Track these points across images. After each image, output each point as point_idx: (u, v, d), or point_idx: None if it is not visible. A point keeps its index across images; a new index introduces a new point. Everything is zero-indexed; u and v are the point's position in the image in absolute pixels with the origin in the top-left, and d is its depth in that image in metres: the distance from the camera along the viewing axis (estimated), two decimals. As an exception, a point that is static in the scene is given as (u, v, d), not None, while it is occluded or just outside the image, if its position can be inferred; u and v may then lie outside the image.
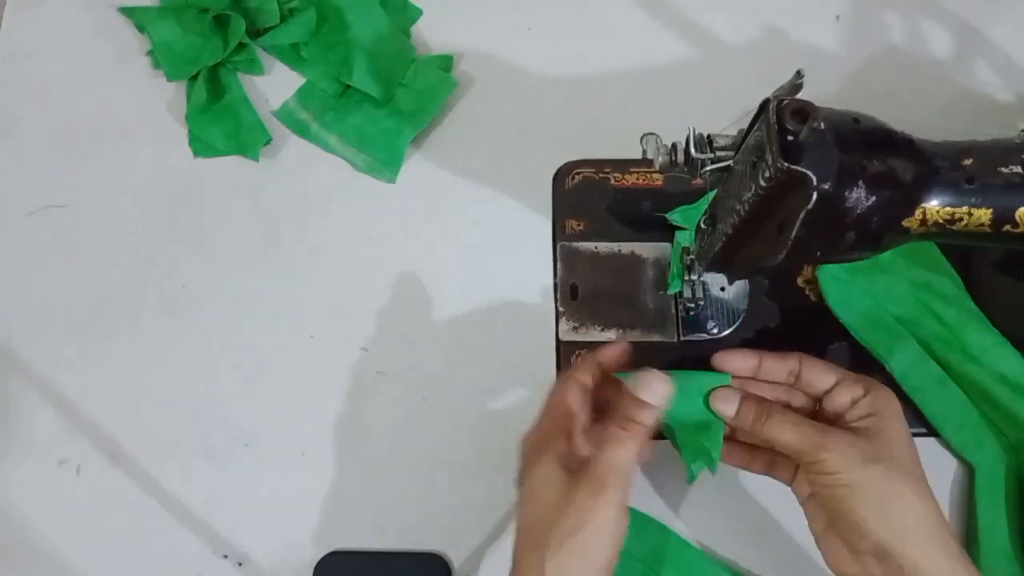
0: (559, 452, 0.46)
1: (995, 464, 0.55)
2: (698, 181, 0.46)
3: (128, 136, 0.67)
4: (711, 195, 0.48)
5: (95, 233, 0.64)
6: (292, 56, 0.67)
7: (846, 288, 0.58)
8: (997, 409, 0.55)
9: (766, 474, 0.51)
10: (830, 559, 0.47)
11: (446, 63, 0.66)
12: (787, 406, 0.50)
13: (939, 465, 0.57)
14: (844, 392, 0.48)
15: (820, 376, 0.49)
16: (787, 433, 0.46)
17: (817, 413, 0.50)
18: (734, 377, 0.51)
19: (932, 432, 0.57)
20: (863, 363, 0.58)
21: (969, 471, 0.56)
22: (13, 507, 0.59)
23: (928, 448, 0.57)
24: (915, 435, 0.56)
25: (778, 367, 0.50)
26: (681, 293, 0.59)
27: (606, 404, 0.50)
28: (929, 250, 0.58)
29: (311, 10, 0.66)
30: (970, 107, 0.65)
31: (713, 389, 0.49)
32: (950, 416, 0.56)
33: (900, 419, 0.47)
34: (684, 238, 0.58)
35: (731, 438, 0.52)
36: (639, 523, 0.54)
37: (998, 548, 0.54)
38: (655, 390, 0.47)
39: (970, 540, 0.55)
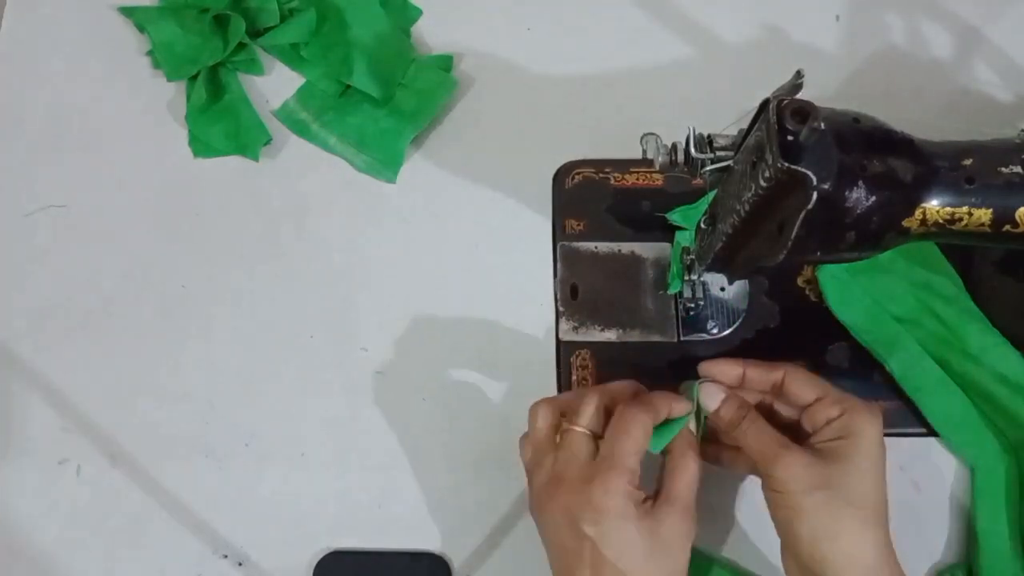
0: (635, 498, 0.45)
1: (995, 464, 0.55)
2: (698, 181, 0.46)
3: (128, 136, 0.67)
4: (711, 195, 0.48)
5: (95, 233, 0.64)
6: (292, 56, 0.67)
7: (846, 288, 0.58)
8: (997, 409, 0.55)
9: (750, 473, 0.52)
10: (785, 565, 0.48)
11: (446, 63, 0.66)
12: (769, 412, 0.51)
13: (939, 465, 0.57)
14: (821, 411, 0.48)
15: (802, 390, 0.49)
16: (750, 439, 0.47)
17: (796, 426, 0.50)
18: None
19: (932, 432, 0.57)
20: (863, 363, 0.58)
21: (969, 471, 0.56)
22: (13, 507, 0.59)
23: (928, 448, 0.57)
24: (915, 435, 0.57)
25: (762, 378, 0.51)
26: (681, 293, 0.59)
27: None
28: (929, 250, 0.58)
29: (311, 10, 0.66)
30: (970, 107, 0.65)
31: (702, 382, 0.50)
32: (950, 416, 0.56)
33: (872, 446, 0.46)
34: (684, 238, 0.58)
35: (717, 440, 0.53)
36: None
37: (998, 548, 0.54)
38: (716, 395, 0.50)
39: (970, 540, 0.55)
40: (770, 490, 0.46)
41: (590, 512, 0.44)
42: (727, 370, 0.51)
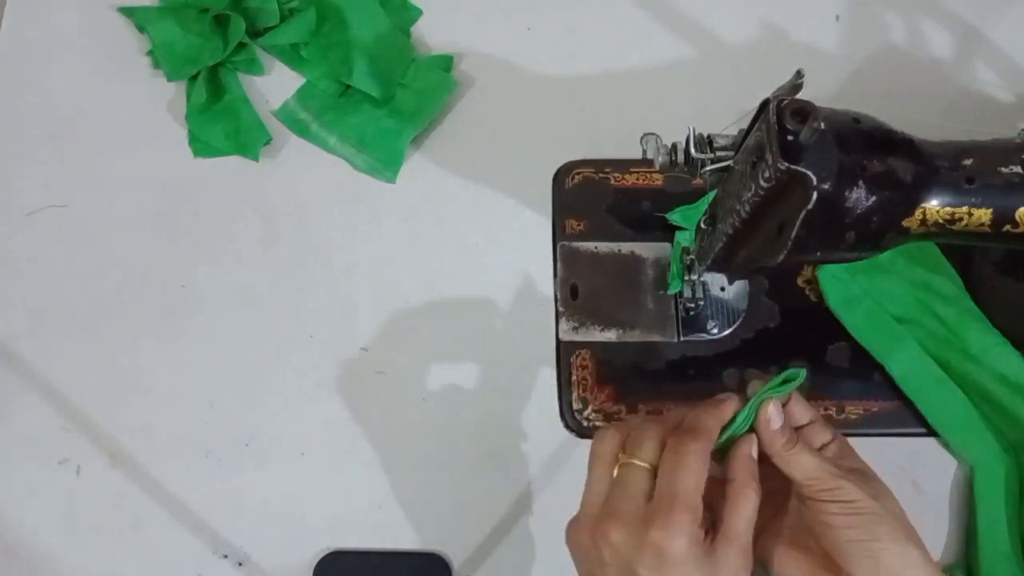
0: (697, 538, 0.42)
1: (995, 464, 0.55)
2: (698, 181, 0.46)
3: (128, 136, 0.66)
4: (711, 195, 0.48)
5: (95, 233, 0.64)
6: (292, 56, 0.67)
7: (846, 288, 0.58)
8: (997, 409, 0.55)
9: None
10: None
11: (446, 63, 0.67)
12: None
13: (939, 465, 0.57)
14: (816, 434, 0.47)
15: (799, 412, 0.48)
16: (808, 462, 0.45)
17: None
18: None
19: (932, 432, 0.57)
20: (863, 363, 0.58)
21: (969, 471, 0.56)
22: (13, 507, 0.59)
23: (928, 448, 0.57)
24: (914, 435, 0.57)
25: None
26: (681, 293, 0.59)
27: None
28: (929, 250, 0.58)
29: (311, 10, 0.66)
30: (970, 107, 0.65)
31: (766, 401, 0.46)
32: (950, 416, 0.56)
33: (866, 465, 0.47)
34: (684, 238, 0.58)
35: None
36: None
37: (998, 548, 0.54)
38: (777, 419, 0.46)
39: (970, 540, 0.55)
40: (832, 504, 0.44)
41: (650, 557, 0.41)
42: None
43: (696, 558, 0.41)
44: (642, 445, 0.44)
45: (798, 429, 0.48)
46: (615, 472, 0.45)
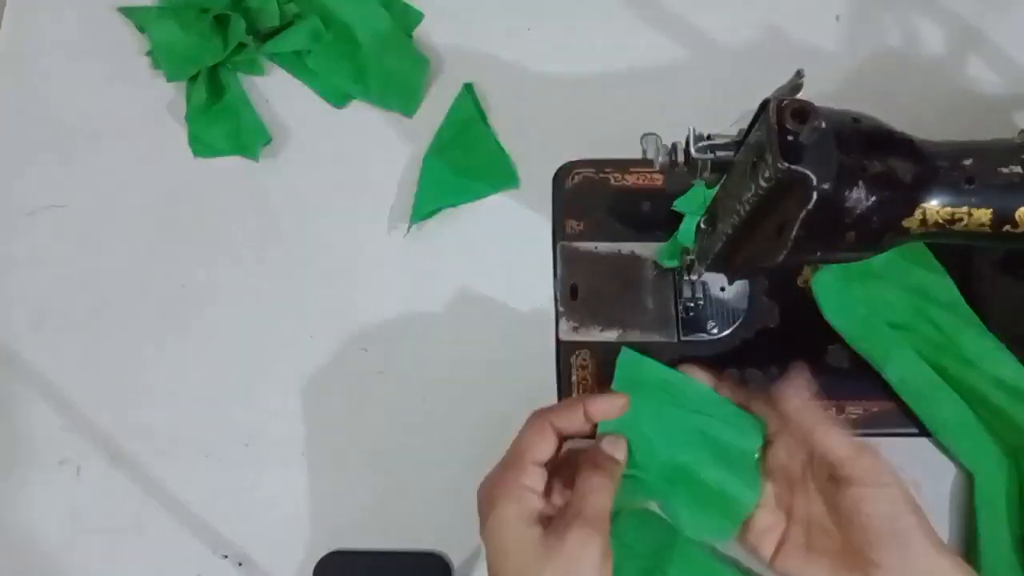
0: (529, 505, 0.44)
1: (994, 469, 0.55)
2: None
3: (128, 136, 0.67)
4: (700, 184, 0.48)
5: (95, 233, 0.64)
6: (296, 64, 0.67)
7: (840, 296, 0.58)
8: (995, 414, 0.55)
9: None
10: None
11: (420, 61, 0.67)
12: None
13: (937, 470, 0.57)
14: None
15: (767, 420, 0.49)
16: (839, 441, 0.45)
17: None
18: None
19: (928, 435, 0.57)
20: (863, 364, 0.58)
21: (968, 476, 0.56)
22: (13, 507, 0.59)
23: (928, 448, 0.57)
24: (914, 435, 0.57)
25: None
26: (681, 293, 0.59)
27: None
28: (923, 254, 0.58)
29: (314, 17, 0.66)
30: (970, 107, 0.65)
31: (784, 381, 0.47)
32: (948, 422, 0.56)
33: None
34: (687, 238, 0.58)
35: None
36: (644, 518, 0.54)
37: (998, 553, 0.53)
38: (620, 446, 0.47)
39: (970, 546, 0.55)
40: (865, 478, 0.44)
41: (483, 502, 0.45)
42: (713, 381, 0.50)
43: (529, 529, 0.43)
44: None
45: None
46: None
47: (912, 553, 0.42)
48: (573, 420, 0.47)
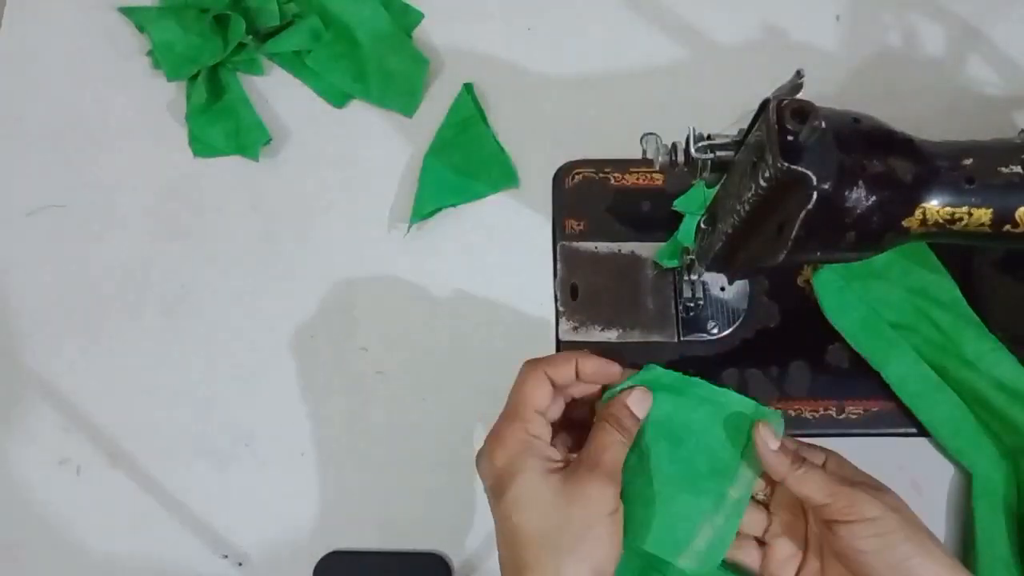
0: (543, 454, 0.44)
1: (992, 470, 0.55)
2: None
3: (128, 136, 0.67)
4: (700, 184, 0.48)
5: (95, 233, 0.64)
6: (295, 63, 0.67)
7: (841, 295, 0.58)
8: (994, 415, 0.55)
9: (751, 567, 0.49)
10: None
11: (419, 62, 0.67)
12: None
13: (938, 466, 0.57)
14: (809, 454, 0.47)
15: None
16: (816, 485, 0.44)
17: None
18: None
19: (927, 435, 0.57)
20: (863, 363, 0.58)
21: (966, 477, 0.56)
22: (13, 507, 0.59)
23: (927, 448, 0.57)
24: (914, 435, 0.57)
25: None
26: (681, 293, 0.59)
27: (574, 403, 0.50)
28: (924, 254, 0.58)
29: (314, 17, 0.66)
30: (970, 107, 0.65)
31: (756, 423, 0.47)
32: (947, 422, 0.56)
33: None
34: (687, 238, 0.58)
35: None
36: (643, 518, 0.54)
37: (996, 554, 0.53)
38: (645, 403, 0.47)
39: (967, 546, 0.55)
40: (852, 525, 0.43)
41: (483, 455, 0.45)
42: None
43: (546, 478, 0.43)
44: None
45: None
46: None
47: None
48: (565, 373, 0.47)
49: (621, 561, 0.44)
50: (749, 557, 0.49)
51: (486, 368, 0.60)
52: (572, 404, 0.50)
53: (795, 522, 0.48)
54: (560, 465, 0.44)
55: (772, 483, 0.49)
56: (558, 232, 0.63)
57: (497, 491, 0.44)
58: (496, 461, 0.44)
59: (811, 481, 0.45)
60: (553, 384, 0.47)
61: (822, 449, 0.48)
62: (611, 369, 0.48)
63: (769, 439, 0.46)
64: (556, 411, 0.49)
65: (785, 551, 0.48)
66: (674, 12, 0.69)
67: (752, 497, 0.49)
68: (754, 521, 0.49)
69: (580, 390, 0.49)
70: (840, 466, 0.48)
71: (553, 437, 0.47)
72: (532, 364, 0.47)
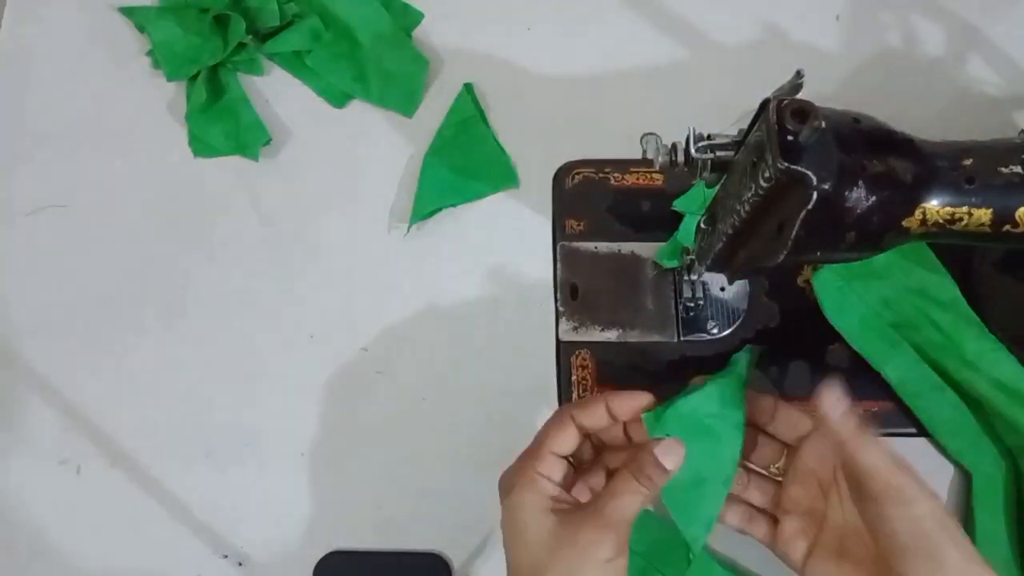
0: (546, 492, 0.45)
1: (992, 470, 0.55)
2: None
3: (128, 136, 0.67)
4: (700, 184, 0.48)
5: (95, 233, 0.64)
6: (296, 64, 0.67)
7: (841, 295, 0.58)
8: (994, 415, 0.55)
9: (765, 541, 0.50)
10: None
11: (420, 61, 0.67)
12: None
13: (936, 471, 0.57)
14: (801, 420, 0.48)
15: (796, 423, 0.49)
16: (875, 456, 0.43)
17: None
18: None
19: (927, 435, 0.57)
20: (863, 363, 0.58)
21: (966, 477, 0.56)
22: (13, 507, 0.59)
23: (924, 453, 0.57)
24: (914, 435, 0.57)
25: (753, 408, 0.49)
26: (681, 293, 0.59)
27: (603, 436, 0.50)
28: (924, 254, 0.58)
29: (314, 17, 0.66)
30: (970, 107, 0.65)
31: (823, 390, 0.45)
32: (947, 422, 0.56)
33: None
34: (687, 238, 0.58)
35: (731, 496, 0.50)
36: (642, 518, 0.54)
37: (996, 554, 0.53)
38: (676, 455, 0.45)
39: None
40: (896, 506, 0.42)
41: (502, 490, 0.46)
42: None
43: (546, 516, 0.43)
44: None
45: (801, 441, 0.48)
46: None
47: (944, 570, 0.41)
48: (595, 416, 0.47)
49: None
50: (759, 531, 0.49)
51: (486, 368, 0.60)
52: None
53: (809, 497, 0.48)
54: (565, 507, 0.45)
55: (788, 455, 0.49)
56: (558, 232, 0.63)
57: (502, 520, 0.46)
58: (505, 491, 0.46)
59: (870, 452, 0.43)
60: (583, 428, 0.47)
61: (810, 416, 0.48)
62: (640, 402, 0.47)
63: (836, 402, 0.45)
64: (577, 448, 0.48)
65: (795, 526, 0.48)
66: (674, 12, 0.69)
67: (764, 471, 0.49)
68: (765, 494, 0.49)
69: (612, 434, 0.49)
70: (788, 416, 0.49)
71: (581, 475, 0.48)
72: (560, 409, 0.48)
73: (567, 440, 0.47)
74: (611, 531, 0.42)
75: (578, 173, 0.64)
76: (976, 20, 0.68)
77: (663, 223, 0.61)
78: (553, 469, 0.46)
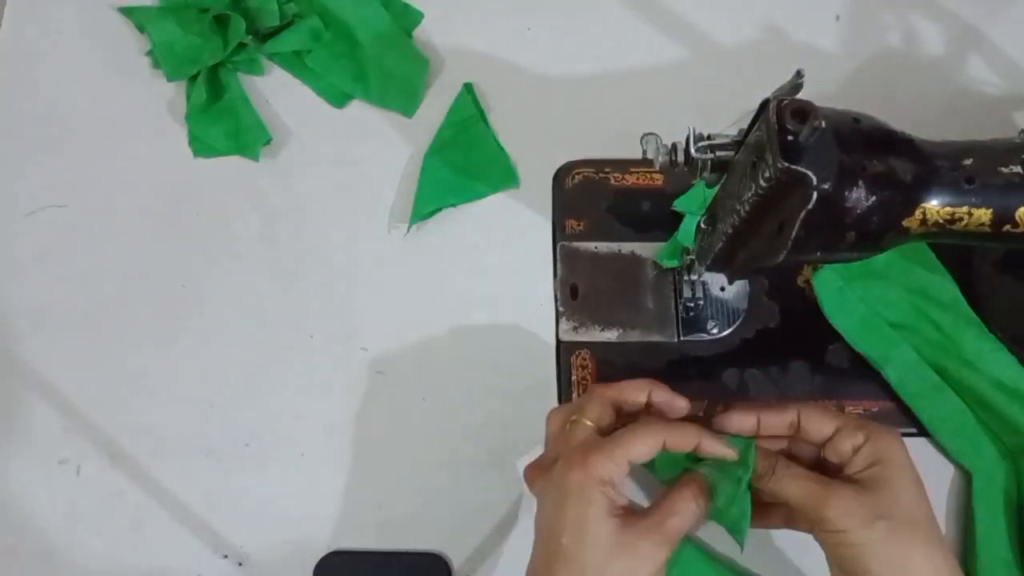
0: (614, 499, 0.45)
1: (992, 470, 0.55)
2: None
3: (128, 136, 0.67)
4: (700, 184, 0.48)
5: (95, 233, 0.64)
6: (295, 63, 0.67)
7: (841, 295, 0.58)
8: (994, 415, 0.55)
9: (786, 527, 0.50)
10: None
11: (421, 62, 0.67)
12: (789, 455, 0.49)
13: (936, 471, 0.57)
14: (845, 440, 0.46)
15: (820, 425, 0.48)
16: (792, 487, 0.45)
17: (821, 461, 0.49)
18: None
19: (927, 435, 0.57)
20: (863, 363, 0.58)
21: (966, 477, 0.56)
22: (13, 507, 0.59)
23: (924, 453, 0.57)
24: (914, 435, 0.57)
25: (777, 421, 0.49)
26: (681, 293, 0.59)
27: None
28: (924, 254, 0.58)
29: (314, 17, 0.66)
30: (970, 107, 0.65)
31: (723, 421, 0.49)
32: (947, 422, 0.56)
33: (905, 465, 0.45)
34: (687, 238, 0.58)
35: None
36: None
37: (996, 554, 0.53)
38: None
39: (968, 546, 0.55)
40: (826, 533, 0.44)
41: (554, 489, 0.46)
42: (742, 421, 0.49)
43: (610, 519, 0.44)
44: (585, 407, 0.49)
45: (826, 442, 0.48)
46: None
47: None
48: (636, 399, 0.49)
49: None
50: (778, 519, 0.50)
51: (486, 368, 0.60)
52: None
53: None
54: (620, 511, 0.45)
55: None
56: (558, 232, 0.63)
57: (559, 503, 0.45)
58: (571, 476, 0.45)
59: (785, 484, 0.46)
60: (622, 406, 0.49)
61: (867, 433, 0.47)
62: (679, 403, 0.50)
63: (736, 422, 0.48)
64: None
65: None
66: (674, 12, 0.69)
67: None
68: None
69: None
70: (811, 418, 0.48)
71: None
72: (653, 421, 0.48)
73: (647, 453, 0.46)
74: (668, 545, 0.45)
75: (578, 173, 0.64)
76: (976, 20, 0.68)
77: (663, 223, 0.61)
78: (623, 475, 0.46)
